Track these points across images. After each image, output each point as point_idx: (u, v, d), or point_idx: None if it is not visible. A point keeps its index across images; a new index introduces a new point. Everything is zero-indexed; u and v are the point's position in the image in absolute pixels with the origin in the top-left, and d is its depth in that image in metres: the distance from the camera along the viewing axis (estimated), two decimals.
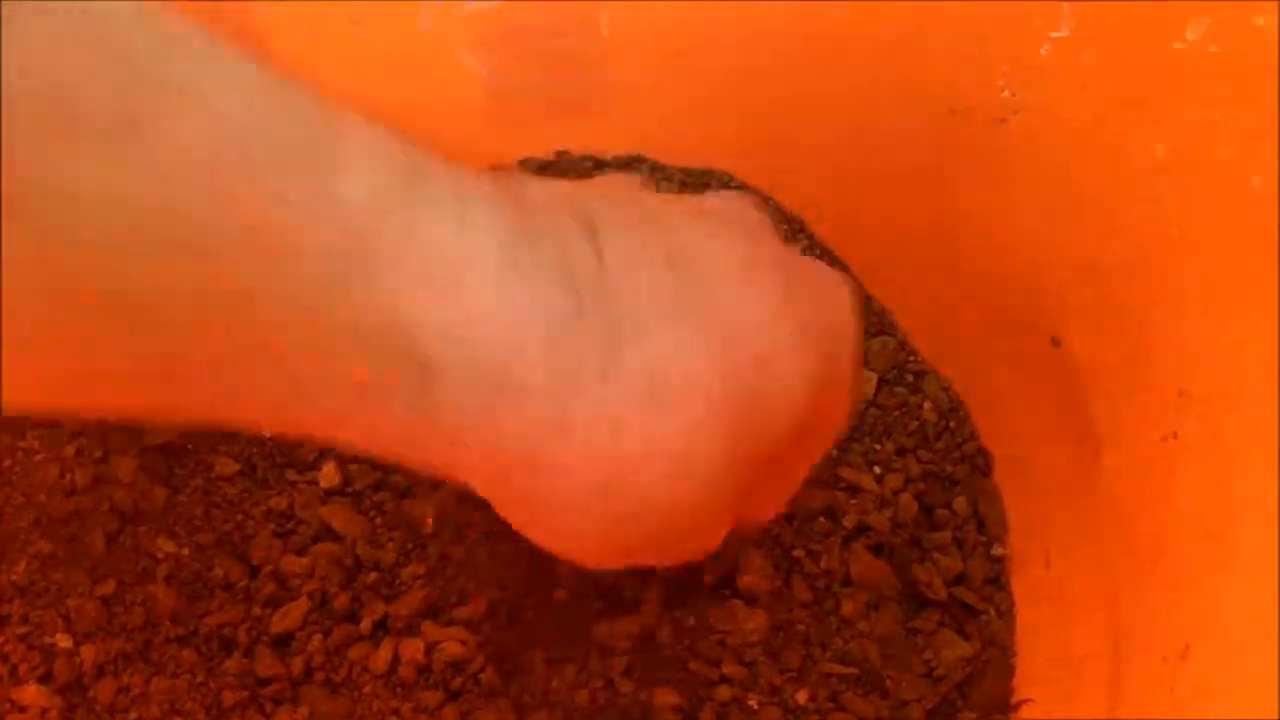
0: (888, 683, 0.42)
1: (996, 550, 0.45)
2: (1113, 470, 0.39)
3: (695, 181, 0.53)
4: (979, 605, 0.44)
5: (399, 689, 0.40)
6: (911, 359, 0.50)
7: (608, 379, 0.25)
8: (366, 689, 0.40)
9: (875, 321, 0.51)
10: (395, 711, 0.40)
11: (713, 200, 0.33)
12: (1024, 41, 0.38)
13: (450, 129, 0.53)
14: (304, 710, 0.40)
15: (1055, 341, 0.42)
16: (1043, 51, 0.37)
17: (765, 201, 0.34)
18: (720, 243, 0.29)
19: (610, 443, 0.26)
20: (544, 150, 0.54)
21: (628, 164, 0.54)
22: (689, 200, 0.32)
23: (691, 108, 0.51)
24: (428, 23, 0.49)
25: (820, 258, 0.52)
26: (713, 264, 0.28)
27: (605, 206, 0.28)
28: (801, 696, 0.41)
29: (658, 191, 0.35)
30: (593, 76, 0.51)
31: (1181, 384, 0.35)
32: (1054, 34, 0.37)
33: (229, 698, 0.40)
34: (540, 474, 0.26)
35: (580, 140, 0.54)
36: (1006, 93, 0.40)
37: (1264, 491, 0.30)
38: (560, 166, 0.54)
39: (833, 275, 0.32)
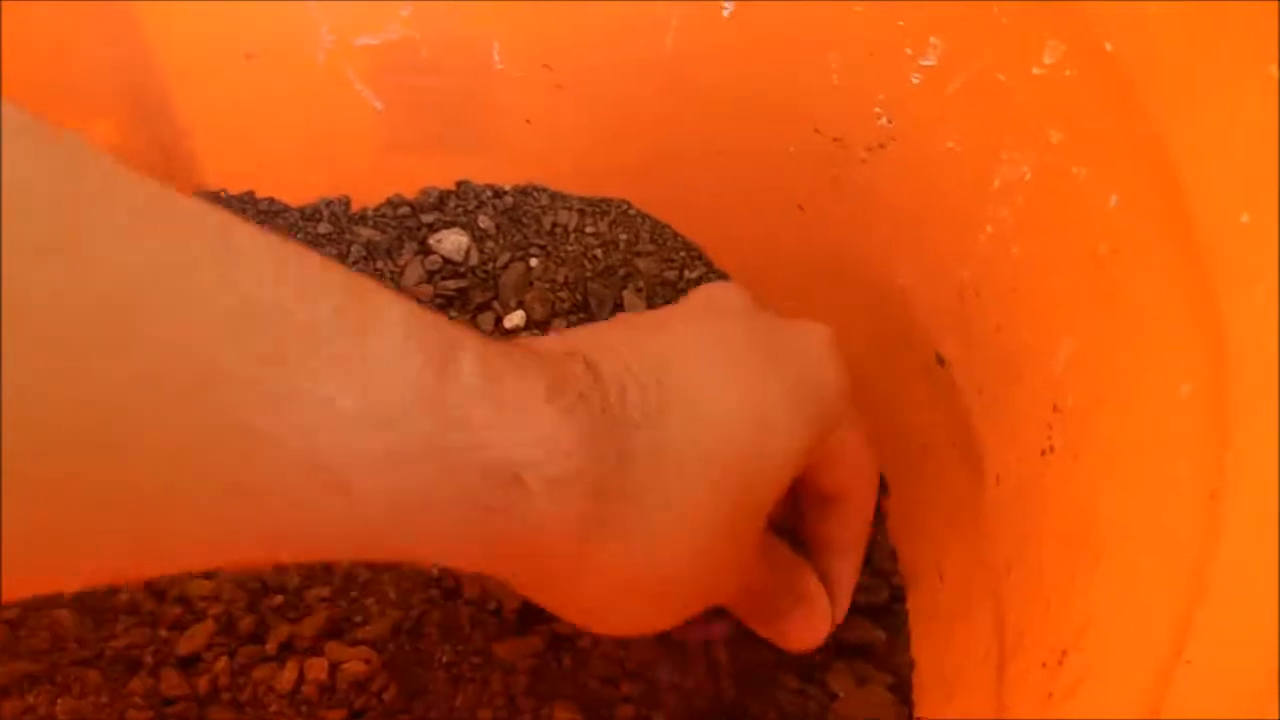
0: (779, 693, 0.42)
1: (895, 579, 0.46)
2: (995, 484, 0.40)
3: (594, 209, 0.54)
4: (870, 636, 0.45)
5: (303, 707, 0.41)
6: None
7: (627, 492, 0.29)
8: (272, 708, 0.41)
9: None
10: None
11: (696, 297, 0.38)
12: (897, 70, 0.39)
13: (352, 161, 0.53)
14: None
15: (940, 360, 0.43)
16: (914, 80, 0.38)
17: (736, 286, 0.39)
18: (704, 337, 0.33)
19: (635, 544, 0.30)
20: (445, 180, 0.55)
21: (527, 192, 0.54)
22: (675, 306, 0.38)
23: (588, 137, 0.52)
24: (323, 56, 0.49)
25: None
26: (698, 359, 0.32)
27: (598, 343, 0.32)
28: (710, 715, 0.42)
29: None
30: (488, 107, 0.52)
31: (1055, 399, 0.36)
32: (923, 62, 0.38)
33: (135, 717, 0.40)
34: (581, 574, 0.30)
35: (480, 170, 0.55)
36: (884, 120, 0.41)
37: (1124, 501, 0.31)
38: (460, 195, 0.54)
39: (808, 329, 0.37)
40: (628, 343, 0.32)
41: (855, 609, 0.43)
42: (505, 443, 0.26)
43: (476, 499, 0.27)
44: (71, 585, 0.25)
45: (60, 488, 0.20)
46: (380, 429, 0.24)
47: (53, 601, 0.42)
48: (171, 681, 0.41)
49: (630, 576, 0.31)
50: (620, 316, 0.40)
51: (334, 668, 0.41)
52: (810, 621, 0.40)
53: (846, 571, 0.41)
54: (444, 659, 0.42)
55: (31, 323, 0.19)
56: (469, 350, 0.26)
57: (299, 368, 0.23)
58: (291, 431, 0.22)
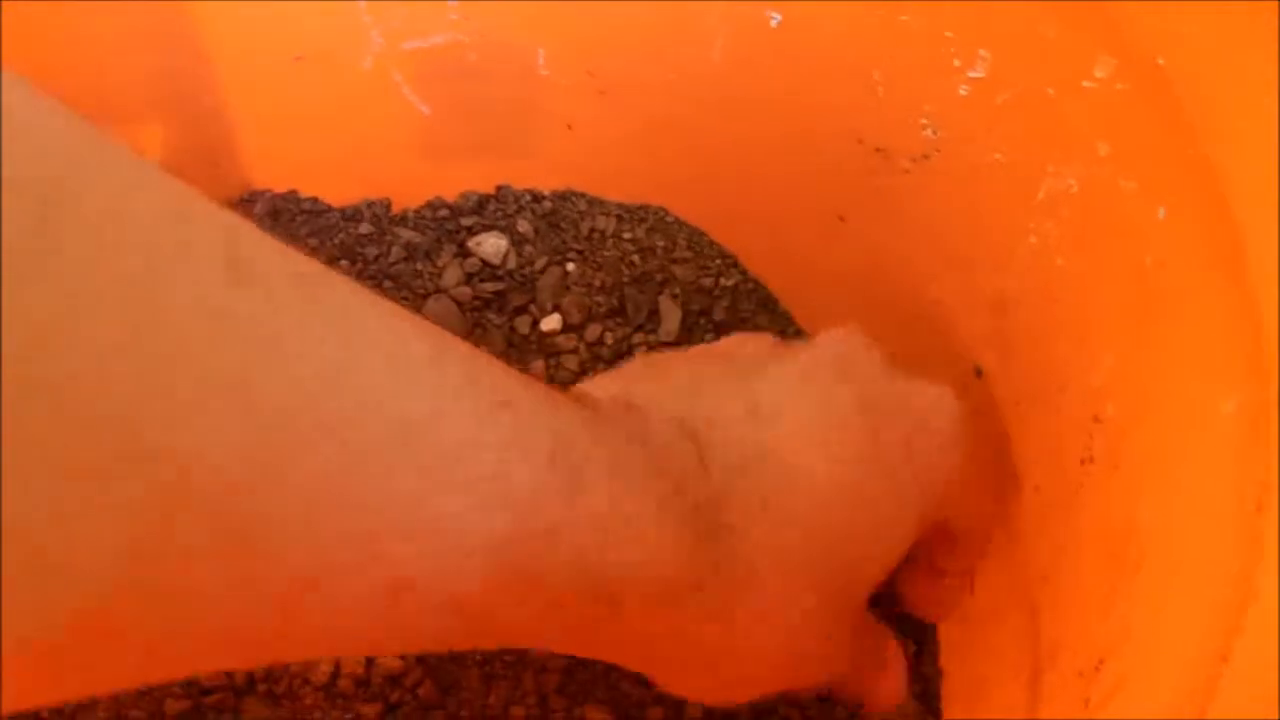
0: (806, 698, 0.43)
1: None
2: (1032, 494, 0.40)
3: (632, 216, 0.55)
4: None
5: (338, 700, 0.41)
6: None
7: (723, 587, 0.30)
8: (307, 700, 0.41)
9: None
10: None
11: (826, 347, 0.36)
12: (944, 81, 0.39)
13: (393, 163, 0.54)
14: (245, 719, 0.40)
15: (978, 372, 0.43)
16: (961, 91, 0.39)
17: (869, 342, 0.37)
18: (813, 411, 0.32)
19: (727, 637, 0.30)
20: (485, 185, 0.55)
21: (565, 197, 0.55)
22: (801, 352, 0.36)
23: (627, 144, 0.53)
24: (369, 61, 0.50)
25: (752, 293, 0.53)
26: (804, 436, 0.32)
27: (708, 415, 0.31)
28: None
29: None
30: (531, 113, 0.52)
31: (1096, 410, 0.37)
32: (971, 74, 0.38)
33: (172, 706, 0.41)
34: (669, 651, 0.31)
35: (520, 175, 0.55)
36: (929, 131, 0.41)
37: (1164, 513, 0.31)
38: (500, 199, 0.55)
39: (933, 401, 0.35)
40: (735, 416, 0.32)
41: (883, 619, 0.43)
42: (608, 564, 0.27)
43: (569, 615, 0.27)
44: (206, 668, 0.25)
45: (210, 585, 0.20)
46: (502, 551, 0.24)
47: None
48: (209, 672, 0.41)
49: (718, 661, 0.31)
50: (729, 349, 0.38)
51: (370, 662, 0.42)
52: (889, 686, 0.39)
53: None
54: (478, 656, 0.43)
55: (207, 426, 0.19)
56: (598, 467, 0.26)
57: (442, 486, 0.23)
58: (421, 556, 0.23)
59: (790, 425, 0.32)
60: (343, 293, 0.22)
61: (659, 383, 0.33)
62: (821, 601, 0.32)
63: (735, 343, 0.38)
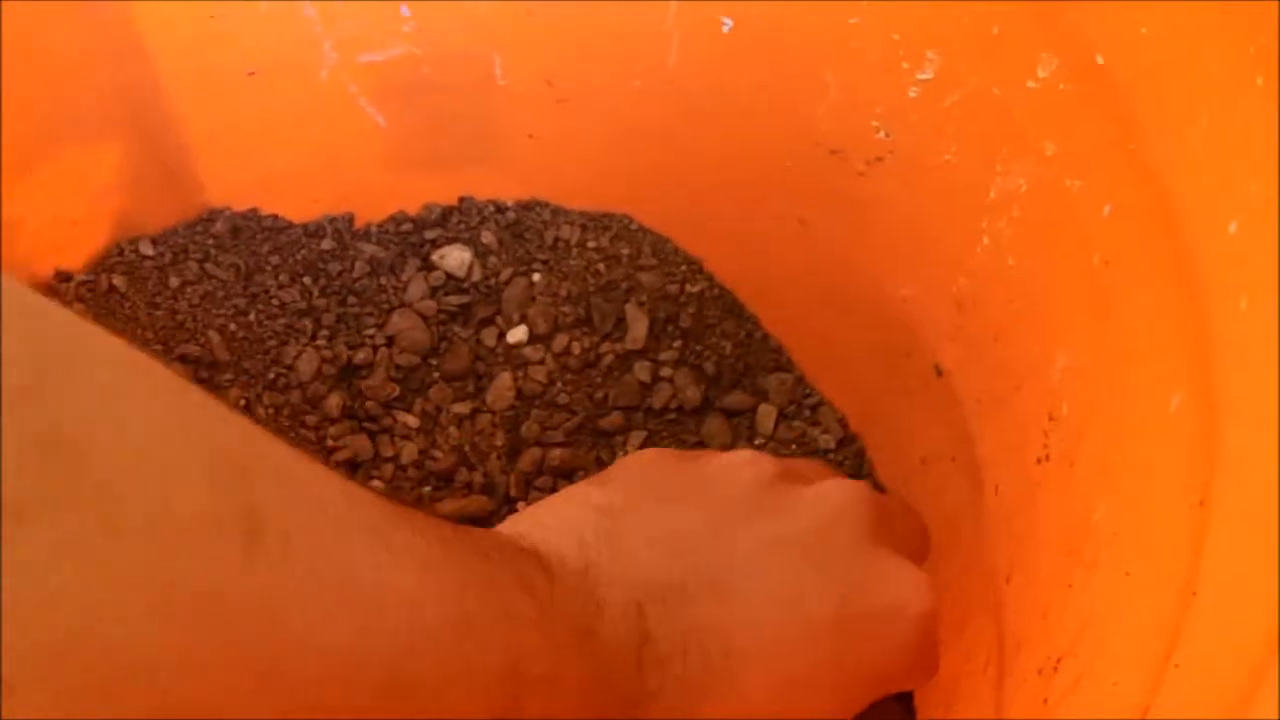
0: None
1: None
2: (993, 494, 0.40)
3: (596, 224, 0.55)
4: None
5: None
6: (808, 394, 0.51)
7: None
8: None
9: (773, 358, 0.52)
10: None
11: (822, 504, 0.35)
12: (894, 83, 0.39)
13: (353, 178, 0.54)
14: None
15: (938, 371, 0.43)
16: (911, 93, 0.39)
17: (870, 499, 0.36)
18: (775, 584, 0.32)
19: None
20: (448, 196, 0.55)
21: (529, 207, 0.55)
22: (780, 500, 0.35)
23: (589, 152, 0.53)
24: (326, 73, 0.50)
25: (719, 299, 0.53)
26: (759, 621, 0.32)
27: (664, 592, 0.31)
28: None
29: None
30: (491, 123, 0.52)
31: (1051, 408, 0.37)
32: (920, 75, 0.38)
33: None
34: None
35: (482, 186, 0.55)
36: (882, 133, 0.41)
37: (1118, 509, 0.31)
38: (463, 210, 0.55)
39: (906, 601, 0.34)
40: (698, 591, 0.32)
41: None
42: None
43: None
44: None
45: None
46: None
47: None
48: None
49: None
50: (725, 472, 0.36)
51: None
52: None
53: None
54: None
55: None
56: (540, 663, 0.27)
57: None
58: None
59: (752, 609, 0.32)
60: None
61: (637, 539, 0.33)
62: None
63: (738, 469, 0.36)
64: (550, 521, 0.33)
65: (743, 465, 0.36)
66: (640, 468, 0.37)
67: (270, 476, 0.21)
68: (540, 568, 0.29)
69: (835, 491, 0.36)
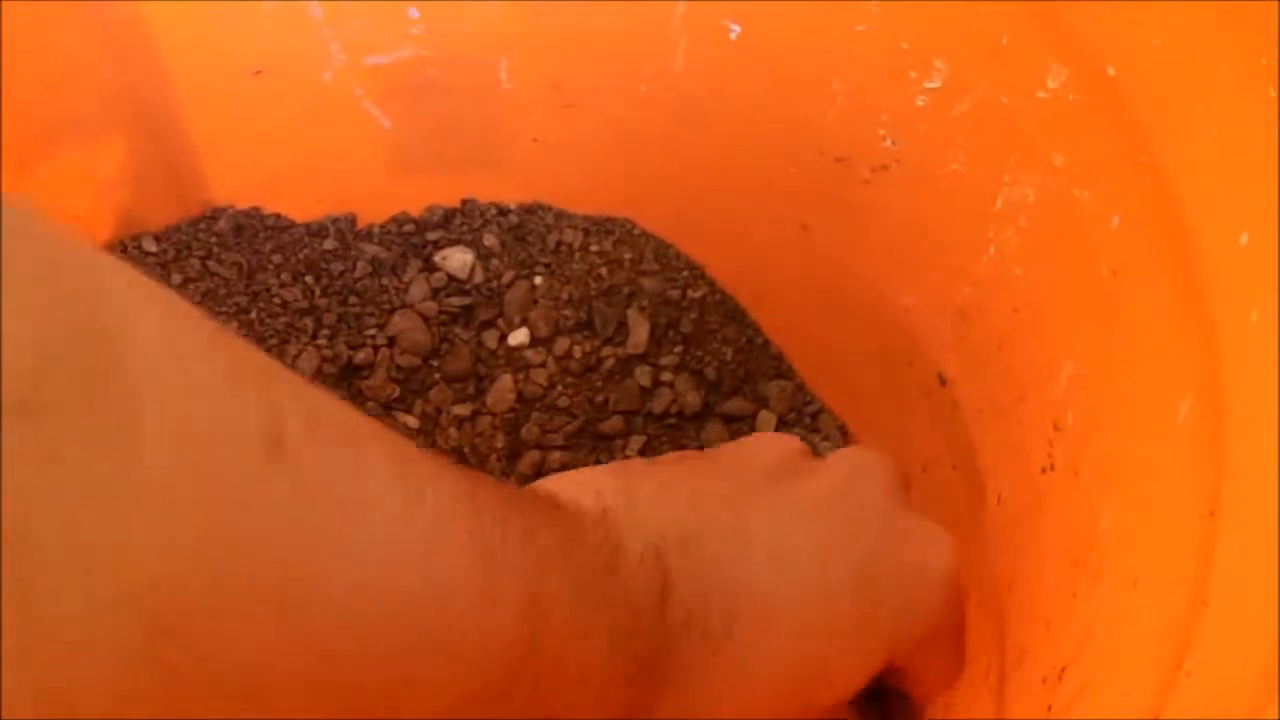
0: None
1: None
2: (995, 503, 0.40)
3: (599, 228, 0.55)
4: None
5: None
6: (808, 401, 0.51)
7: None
8: None
9: (773, 365, 0.52)
10: None
11: (839, 467, 0.35)
12: (902, 92, 0.40)
13: (357, 178, 0.54)
14: None
15: (941, 380, 0.43)
16: (919, 102, 0.39)
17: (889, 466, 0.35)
18: (804, 551, 0.32)
19: None
20: (451, 198, 0.55)
21: (532, 211, 0.55)
22: (817, 470, 0.35)
23: (593, 156, 0.53)
24: (331, 75, 0.50)
25: (720, 304, 0.53)
26: (787, 574, 0.31)
27: (682, 538, 0.31)
28: None
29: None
30: (495, 127, 0.52)
31: (1056, 418, 0.37)
32: (928, 84, 0.38)
33: None
34: None
35: (486, 189, 0.55)
36: (888, 141, 0.41)
37: (1124, 518, 0.31)
38: (466, 213, 0.55)
39: (932, 551, 0.34)
40: (718, 541, 0.31)
41: None
42: (550, 709, 0.26)
43: None
44: None
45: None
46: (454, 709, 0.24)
47: None
48: None
49: None
50: (749, 456, 0.35)
51: None
52: None
53: None
54: None
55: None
56: (560, 615, 0.26)
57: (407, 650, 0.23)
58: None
59: (772, 565, 0.31)
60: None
61: (655, 490, 0.32)
62: None
63: (757, 447, 0.36)
64: (566, 480, 0.32)
65: (766, 440, 0.36)
66: (669, 462, 0.36)
67: (289, 385, 0.20)
68: (558, 511, 0.28)
69: (854, 455, 0.36)
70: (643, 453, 0.50)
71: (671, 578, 0.29)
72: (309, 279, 0.52)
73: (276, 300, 0.52)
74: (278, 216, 0.54)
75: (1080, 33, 0.33)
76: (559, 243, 0.55)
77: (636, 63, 0.48)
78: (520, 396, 0.51)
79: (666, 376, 0.52)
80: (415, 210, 0.55)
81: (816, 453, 0.40)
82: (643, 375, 0.51)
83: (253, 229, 0.53)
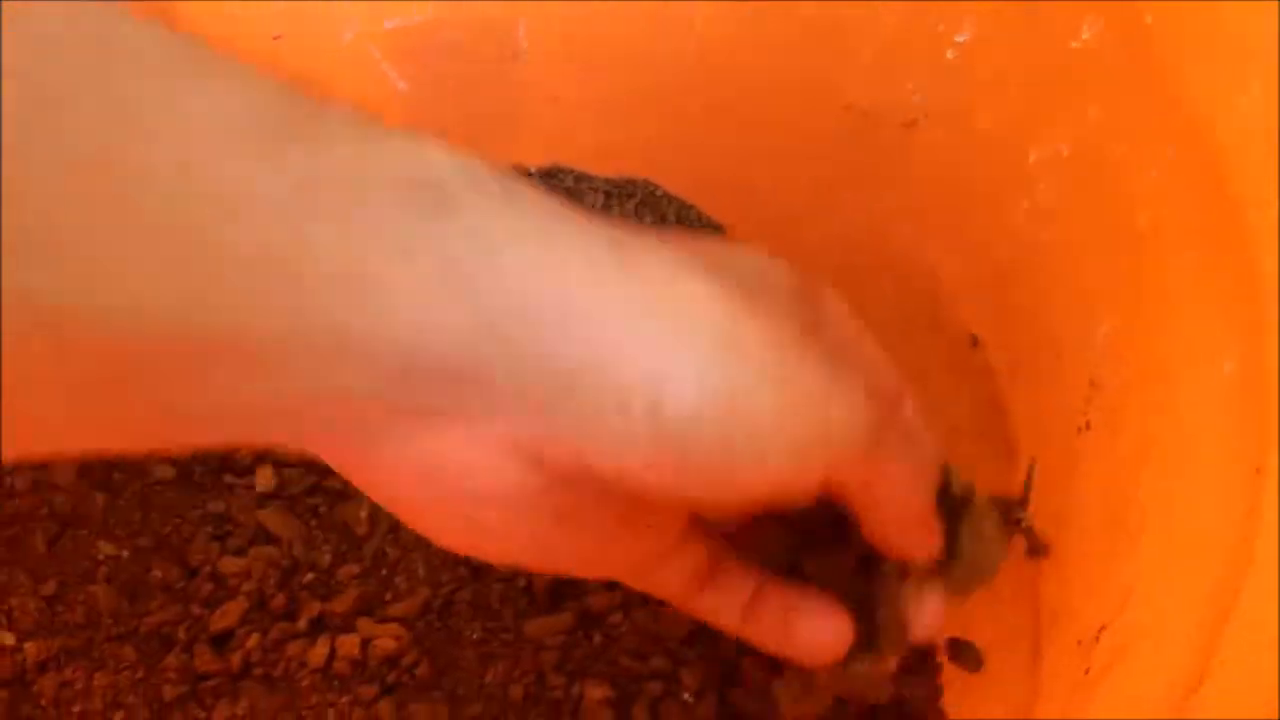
0: None
1: None
2: (1027, 464, 0.40)
3: (620, 191, 0.54)
4: None
5: (335, 683, 0.41)
6: None
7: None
8: (304, 683, 0.41)
9: None
10: (332, 704, 0.41)
11: (744, 265, 0.26)
12: (931, 45, 0.39)
13: None
14: (243, 704, 0.41)
15: (974, 341, 0.43)
16: (948, 55, 0.38)
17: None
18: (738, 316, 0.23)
19: None
20: None
21: (552, 174, 0.54)
22: (725, 267, 0.25)
23: (612, 119, 0.52)
24: (349, 37, 0.49)
25: None
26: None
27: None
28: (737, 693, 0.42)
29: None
30: (514, 89, 0.52)
31: (1093, 375, 0.36)
32: (958, 37, 0.38)
33: (169, 692, 0.41)
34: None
35: (504, 152, 0.54)
36: (917, 96, 0.40)
37: (1165, 477, 0.31)
38: None
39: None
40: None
41: None
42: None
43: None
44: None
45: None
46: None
47: (89, 578, 0.43)
48: (205, 658, 0.41)
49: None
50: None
51: (365, 644, 0.42)
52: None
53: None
54: (474, 636, 0.43)
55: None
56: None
57: None
58: None
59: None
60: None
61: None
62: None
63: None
64: None
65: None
66: None
67: None
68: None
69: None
70: None
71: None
72: None
73: None
74: None
75: None
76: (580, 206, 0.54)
77: (656, 21, 0.47)
78: None
79: None
80: None
81: None
82: None
83: None
